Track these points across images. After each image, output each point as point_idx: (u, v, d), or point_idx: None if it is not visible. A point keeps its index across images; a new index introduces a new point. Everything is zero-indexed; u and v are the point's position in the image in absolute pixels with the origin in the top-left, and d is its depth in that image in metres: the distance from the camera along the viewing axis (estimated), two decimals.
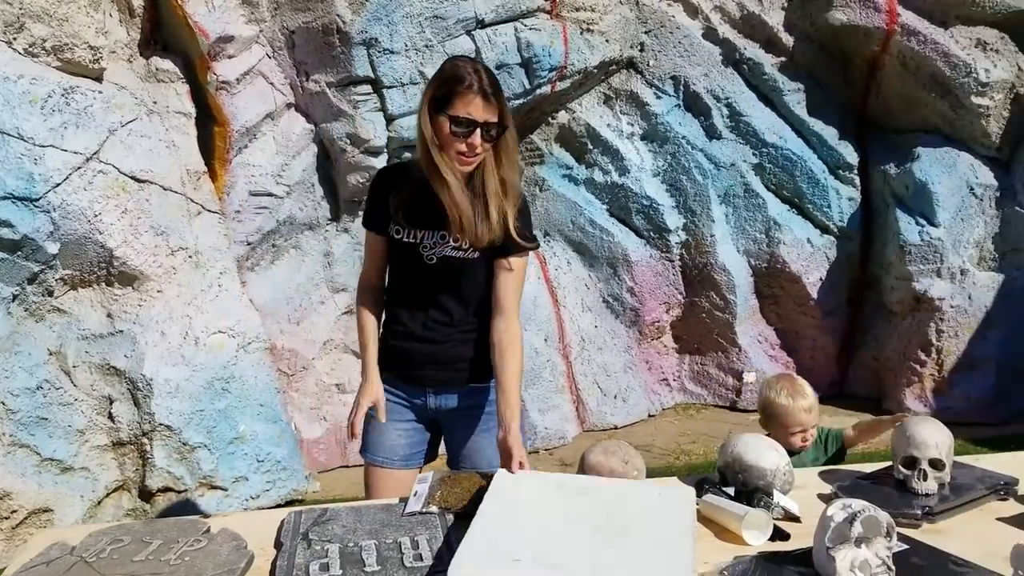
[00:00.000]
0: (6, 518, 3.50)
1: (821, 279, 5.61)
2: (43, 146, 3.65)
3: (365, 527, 2.04)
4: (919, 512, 2.03)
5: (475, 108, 2.13)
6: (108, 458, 3.91)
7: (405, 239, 2.32)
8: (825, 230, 5.59)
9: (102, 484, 3.85)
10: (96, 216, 3.80)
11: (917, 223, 5.26)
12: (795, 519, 2.06)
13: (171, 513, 3.92)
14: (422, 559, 1.83)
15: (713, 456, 4.99)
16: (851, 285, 5.72)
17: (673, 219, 5.59)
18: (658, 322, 5.70)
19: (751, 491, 2.12)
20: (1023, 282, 5.24)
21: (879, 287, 5.63)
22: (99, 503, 3.84)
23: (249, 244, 4.54)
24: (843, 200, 5.57)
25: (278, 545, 1.99)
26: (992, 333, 5.23)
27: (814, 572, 1.70)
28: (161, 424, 3.88)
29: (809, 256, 5.57)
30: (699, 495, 2.15)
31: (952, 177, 5.23)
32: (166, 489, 3.91)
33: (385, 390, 2.44)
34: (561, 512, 1.92)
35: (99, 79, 4.01)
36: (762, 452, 2.19)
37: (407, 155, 4.79)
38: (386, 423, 2.44)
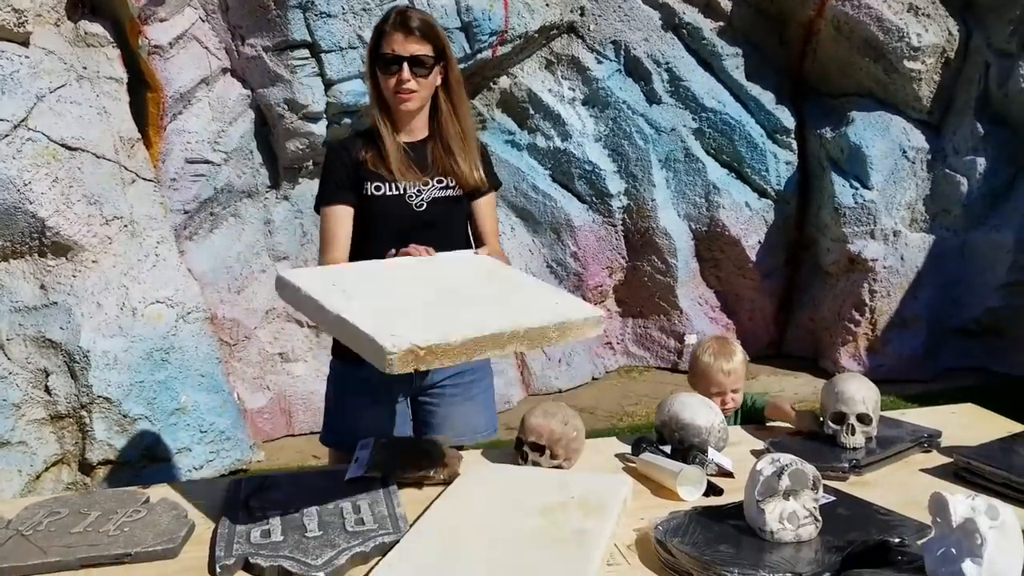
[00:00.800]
0: None
1: (759, 242, 5.71)
2: None
3: (306, 494, 2.04)
4: (846, 465, 2.11)
5: (397, 43, 2.18)
6: (46, 432, 3.84)
7: (388, 192, 2.30)
8: (763, 194, 5.68)
9: (40, 458, 3.79)
10: (26, 185, 3.70)
11: (851, 186, 5.37)
12: (729, 475, 2.12)
13: (113, 486, 3.88)
14: (364, 523, 1.83)
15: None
16: (788, 247, 5.84)
17: (615, 184, 5.63)
18: (601, 286, 5.75)
19: (687, 448, 2.18)
20: (952, 243, 5.40)
21: (815, 249, 5.75)
22: (38, 477, 3.77)
23: (187, 212, 4.46)
24: (780, 164, 5.66)
25: (219, 514, 1.99)
26: (922, 293, 5.39)
27: (746, 525, 1.76)
28: (100, 396, 3.82)
29: (748, 220, 5.66)
30: (636, 453, 2.20)
31: (885, 140, 5.34)
32: (107, 462, 3.86)
33: (363, 373, 2.25)
34: (446, 278, 1.99)
35: (25, 43, 3.87)
36: (697, 410, 2.24)
37: (346, 120, 4.74)
38: (369, 406, 2.37)
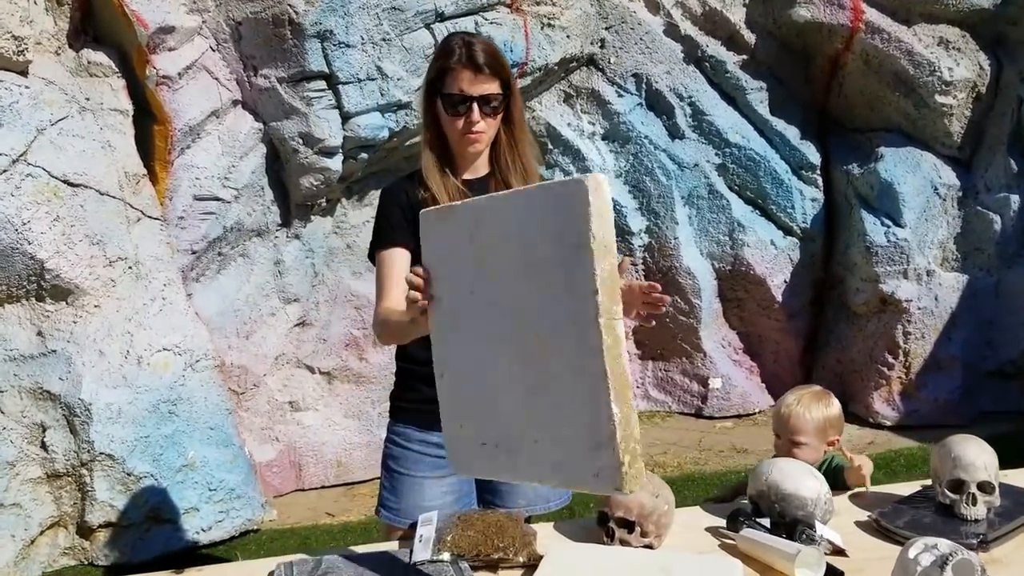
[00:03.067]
0: None
1: (785, 281, 5.50)
2: None
3: None
4: (973, 542, 1.88)
5: (465, 82, 1.98)
6: (42, 492, 3.54)
7: None
8: (788, 231, 5.49)
9: (36, 521, 3.48)
10: (24, 224, 3.44)
11: (883, 224, 5.19)
12: (842, 553, 1.89)
13: (114, 551, 3.58)
14: None
15: (688, 467, 4.85)
16: (814, 286, 5.64)
17: (636, 222, 5.43)
18: None
19: (790, 523, 1.94)
20: (986, 282, 5.23)
21: (842, 288, 5.55)
22: (33, 542, 3.47)
23: (194, 253, 4.19)
24: (806, 201, 5.48)
25: None
26: (956, 334, 5.19)
27: None
28: (102, 453, 3.52)
29: (773, 258, 5.46)
30: (734, 528, 1.97)
31: (916, 177, 5.17)
32: (108, 524, 3.56)
33: (418, 445, 2.12)
34: None
35: (24, 73, 3.64)
36: (801, 479, 2.02)
37: (363, 155, 4.52)
38: (426, 480, 2.11)
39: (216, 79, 4.22)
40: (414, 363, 2.10)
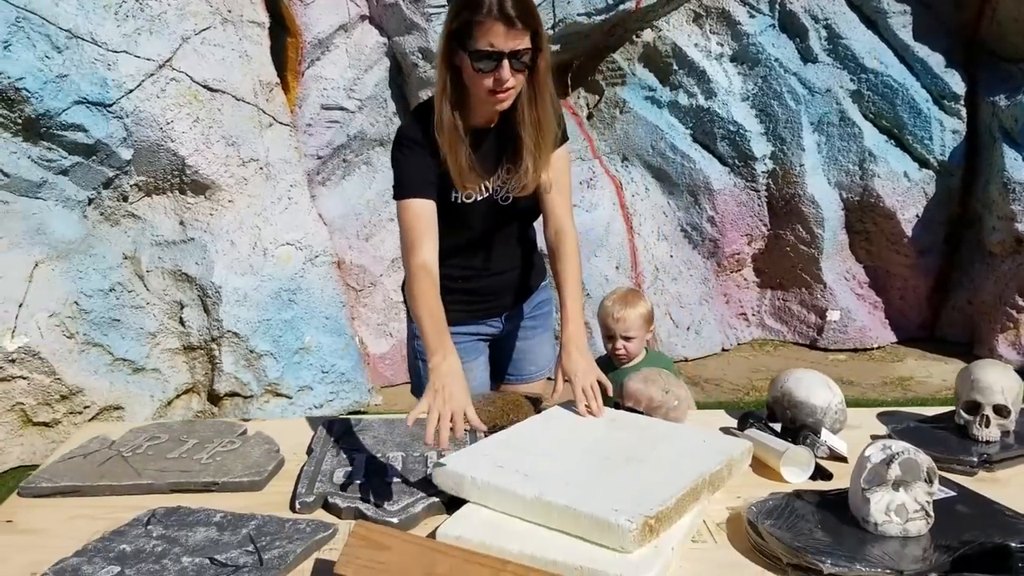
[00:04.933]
0: (79, 412, 3.65)
1: (917, 216, 5.31)
2: (116, 52, 3.68)
3: (395, 439, 2.04)
4: (975, 459, 1.92)
5: (497, 37, 1.85)
6: (179, 361, 4.02)
7: (478, 198, 2.13)
8: (924, 164, 5.27)
9: (172, 386, 3.98)
10: (168, 124, 3.84)
11: None
12: (842, 459, 1.97)
13: (238, 417, 4.04)
14: None
15: None
16: (949, 223, 5.41)
17: (760, 147, 5.34)
18: (739, 254, 5.51)
19: (798, 428, 2.03)
20: None
21: (979, 226, 5.30)
22: (169, 403, 3.97)
23: (320, 158, 4.54)
24: (946, 132, 5.22)
25: (309, 451, 2.00)
26: None
27: (850, 515, 1.61)
28: (229, 331, 3.96)
29: (905, 191, 5.27)
30: (742, 428, 2.07)
31: None
32: (233, 394, 4.02)
33: (454, 334, 2.20)
34: (589, 440, 1.86)
35: None
36: (814, 388, 2.08)
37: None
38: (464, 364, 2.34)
39: None
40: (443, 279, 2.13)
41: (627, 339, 2.84)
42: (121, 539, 1.58)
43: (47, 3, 3.55)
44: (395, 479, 1.81)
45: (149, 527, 1.62)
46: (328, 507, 1.73)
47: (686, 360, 5.28)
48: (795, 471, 1.87)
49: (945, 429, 2.09)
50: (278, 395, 4.06)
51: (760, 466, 1.92)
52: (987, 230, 5.19)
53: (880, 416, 2.26)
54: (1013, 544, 1.49)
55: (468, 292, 2.31)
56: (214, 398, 4.04)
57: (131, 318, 3.85)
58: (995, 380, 2.04)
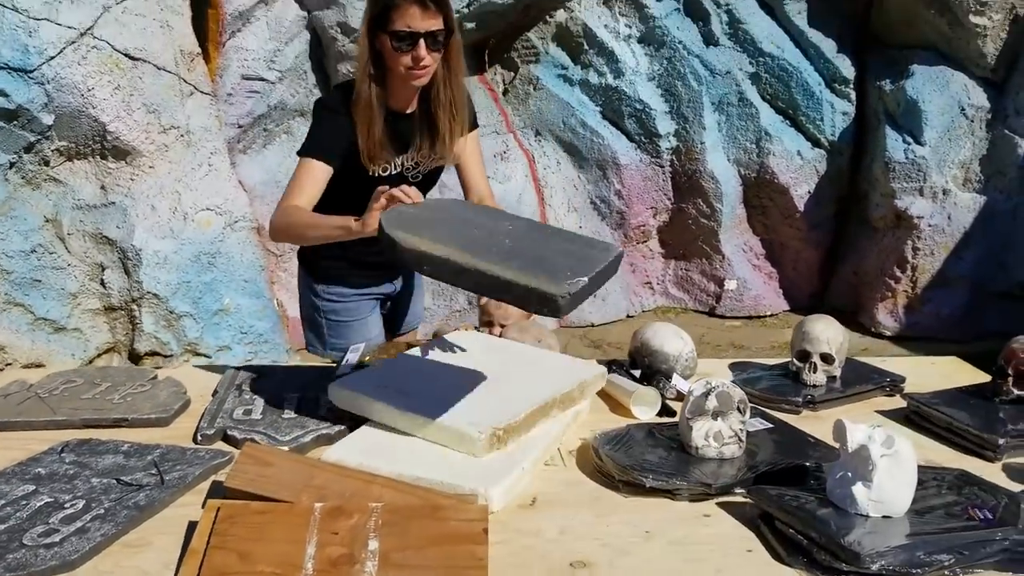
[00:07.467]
0: (1, 370, 3.78)
1: (809, 192, 5.67)
2: (38, 19, 3.77)
3: (295, 383, 2.25)
4: (800, 399, 2.20)
5: (413, 19, 2.08)
6: (100, 321, 4.16)
7: (392, 172, 2.34)
8: (816, 143, 5.63)
9: (93, 345, 4.12)
10: (89, 91, 3.95)
11: (904, 141, 5.28)
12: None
13: None
14: (335, 411, 2.02)
15: None
16: (838, 199, 5.79)
17: (665, 124, 5.64)
18: (644, 226, 5.82)
19: (653, 373, 2.30)
20: (1004, 206, 5.28)
21: (865, 203, 5.69)
22: (90, 362, 4.11)
23: (240, 127, 4.69)
24: (837, 114, 5.59)
25: (214, 394, 2.21)
26: (968, 254, 5.30)
27: (680, 442, 1.89)
28: (149, 292, 4.11)
29: (799, 168, 5.62)
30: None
31: (943, 96, 5.22)
32: (153, 353, 4.18)
33: (353, 295, 2.59)
34: (466, 364, 2.14)
35: None
36: (667, 338, 2.35)
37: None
38: (364, 319, 2.62)
39: None
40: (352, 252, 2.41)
41: (503, 327, 2.89)
42: (36, 464, 1.77)
43: None
44: (290, 415, 2.03)
45: (63, 455, 1.82)
46: (227, 439, 1.94)
47: (592, 325, 5.59)
48: (644, 409, 2.14)
49: (783, 376, 2.38)
50: (197, 354, 4.23)
51: (616, 406, 2.19)
52: (871, 206, 5.59)
53: (730, 365, 2.54)
54: (808, 464, 1.80)
55: (374, 266, 2.58)
56: (134, 357, 4.19)
57: (52, 279, 3.97)
58: (821, 331, 2.33)
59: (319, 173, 2.21)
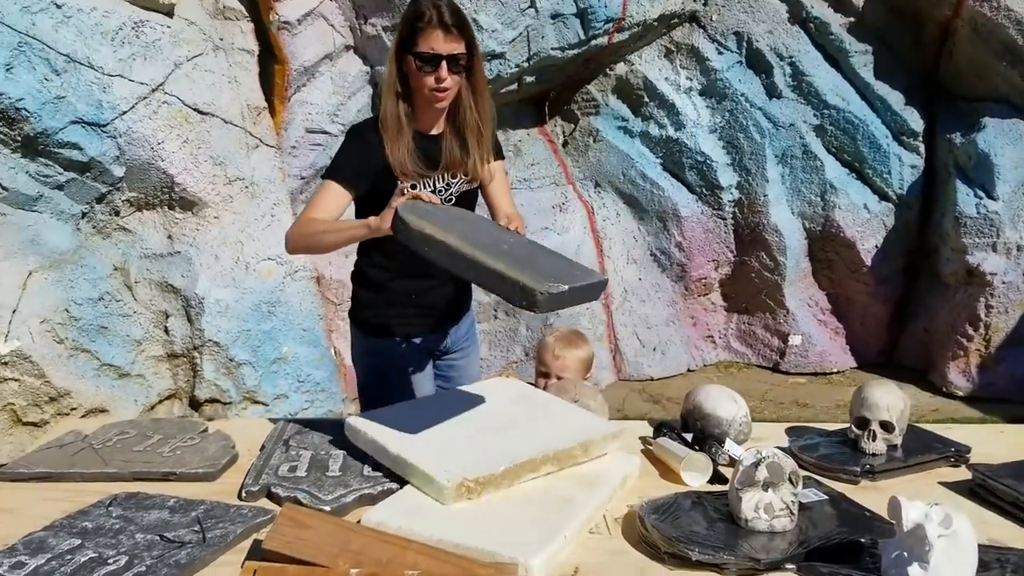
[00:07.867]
0: (66, 414, 3.87)
1: (877, 246, 5.55)
2: (112, 75, 3.93)
3: (341, 438, 2.25)
4: (858, 469, 2.11)
5: (437, 41, 2.20)
6: (162, 368, 4.25)
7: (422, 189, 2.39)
8: (884, 196, 5.51)
9: (155, 391, 4.19)
10: (159, 144, 4.08)
11: (976, 195, 5.14)
12: None
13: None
14: (380, 471, 2.00)
15: None
16: (907, 254, 5.65)
17: (727, 176, 5.59)
18: (705, 279, 5.74)
19: (706, 438, 2.24)
20: None
21: (936, 258, 5.53)
22: (152, 408, 4.18)
23: (303, 179, 4.79)
24: (905, 167, 5.47)
25: (262, 448, 2.22)
26: None
27: (729, 513, 1.82)
28: (210, 340, 4.19)
29: (865, 222, 5.51)
30: (656, 436, 2.28)
31: (1016, 150, 5.08)
32: (213, 400, 4.24)
33: (401, 353, 2.57)
34: (479, 411, 2.16)
35: (169, 14, 4.26)
36: (720, 402, 2.30)
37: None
38: (415, 375, 2.61)
39: (331, 26, 4.76)
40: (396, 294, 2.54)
41: (560, 380, 2.77)
42: (84, 518, 1.79)
43: (48, 29, 3.79)
44: (334, 473, 2.03)
45: (110, 508, 1.84)
46: (271, 496, 1.94)
47: (652, 379, 5.51)
48: (695, 475, 2.07)
49: (841, 443, 2.30)
50: (255, 402, 4.28)
51: (667, 471, 2.13)
52: (942, 261, 5.43)
53: (787, 430, 2.46)
54: (863, 540, 1.72)
55: (420, 307, 2.57)
56: (195, 404, 4.26)
57: (118, 326, 4.08)
58: (881, 398, 2.24)
59: (338, 197, 2.33)
